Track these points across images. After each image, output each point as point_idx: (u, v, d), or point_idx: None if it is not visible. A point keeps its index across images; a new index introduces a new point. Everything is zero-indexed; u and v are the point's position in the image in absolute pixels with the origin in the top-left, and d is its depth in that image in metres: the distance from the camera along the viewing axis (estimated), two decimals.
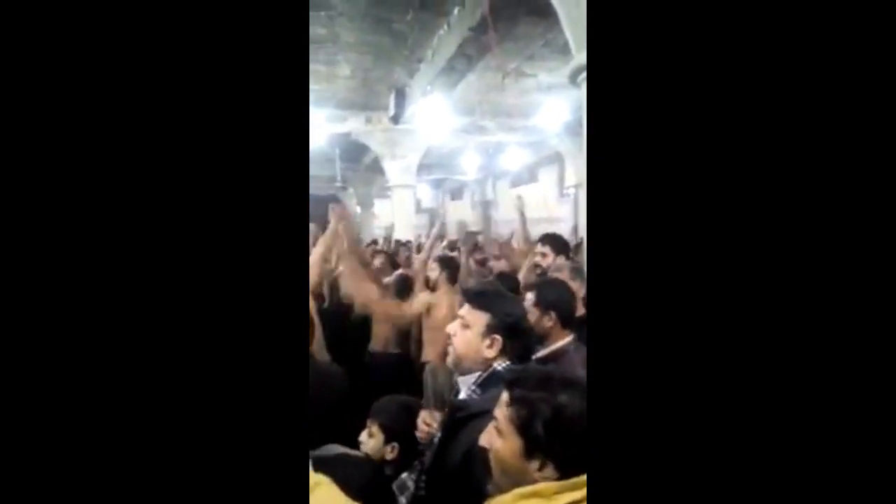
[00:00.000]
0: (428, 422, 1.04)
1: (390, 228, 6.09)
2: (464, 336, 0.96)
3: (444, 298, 2.02)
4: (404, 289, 2.23)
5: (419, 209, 10.19)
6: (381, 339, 2.21)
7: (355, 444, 1.15)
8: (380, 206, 10.11)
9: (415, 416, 1.19)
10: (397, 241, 4.65)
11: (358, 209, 10.54)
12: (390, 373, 2.11)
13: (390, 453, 1.14)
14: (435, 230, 2.68)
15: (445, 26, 3.34)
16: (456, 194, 12.68)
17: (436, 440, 0.98)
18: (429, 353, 1.98)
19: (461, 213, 12.08)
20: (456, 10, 3.12)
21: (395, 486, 1.08)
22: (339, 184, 8.93)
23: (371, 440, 1.15)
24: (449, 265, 2.12)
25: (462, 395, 0.96)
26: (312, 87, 4.48)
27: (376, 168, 6.64)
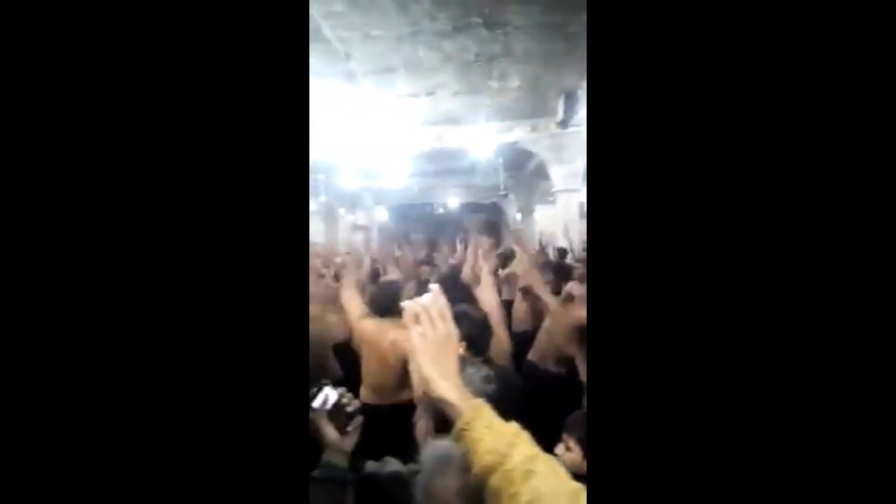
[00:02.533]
0: None
1: (551, 235, 5.98)
2: None
3: None
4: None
5: (582, 214, 9.73)
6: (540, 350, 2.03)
7: None
8: (539, 212, 10.01)
9: None
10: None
11: (518, 216, 10.63)
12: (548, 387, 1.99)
13: None
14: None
15: None
16: None
17: None
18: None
19: None
20: None
21: None
22: (501, 192, 9.19)
23: (568, 454, 1.15)
24: None
25: None
26: (485, 101, 4.71)
27: (540, 174, 6.61)
